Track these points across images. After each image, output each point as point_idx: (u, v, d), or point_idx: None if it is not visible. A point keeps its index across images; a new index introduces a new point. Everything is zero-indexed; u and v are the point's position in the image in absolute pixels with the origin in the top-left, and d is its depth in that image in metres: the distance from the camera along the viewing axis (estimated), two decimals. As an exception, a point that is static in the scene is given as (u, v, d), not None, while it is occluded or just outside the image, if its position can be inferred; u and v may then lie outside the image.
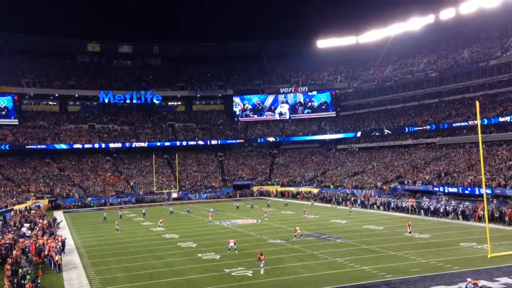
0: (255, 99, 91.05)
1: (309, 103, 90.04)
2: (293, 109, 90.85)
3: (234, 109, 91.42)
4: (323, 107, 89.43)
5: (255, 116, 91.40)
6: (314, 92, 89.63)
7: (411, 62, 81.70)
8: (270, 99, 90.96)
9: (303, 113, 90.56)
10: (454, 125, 64.64)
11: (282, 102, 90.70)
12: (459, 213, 40.86)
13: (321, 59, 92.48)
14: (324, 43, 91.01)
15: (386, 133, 75.40)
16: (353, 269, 23.99)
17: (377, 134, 77.14)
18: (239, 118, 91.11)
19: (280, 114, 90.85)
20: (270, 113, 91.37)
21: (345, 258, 26.28)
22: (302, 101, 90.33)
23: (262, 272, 23.43)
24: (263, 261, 23.67)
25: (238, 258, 26.98)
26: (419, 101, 75.92)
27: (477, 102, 22.06)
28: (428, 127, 68.66)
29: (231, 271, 24.22)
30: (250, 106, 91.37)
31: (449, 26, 76.43)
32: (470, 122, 61.33)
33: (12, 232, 37.02)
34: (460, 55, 73.17)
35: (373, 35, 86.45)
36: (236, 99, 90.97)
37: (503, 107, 60.42)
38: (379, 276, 22.14)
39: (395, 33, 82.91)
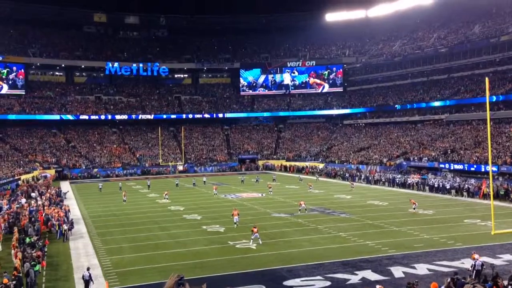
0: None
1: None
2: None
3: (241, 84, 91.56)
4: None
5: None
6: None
7: (420, 37, 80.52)
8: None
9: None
10: (462, 101, 64.07)
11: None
12: (464, 190, 40.88)
13: (329, 33, 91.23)
14: (333, 17, 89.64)
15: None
16: (356, 243, 24.14)
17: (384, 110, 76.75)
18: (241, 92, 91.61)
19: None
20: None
21: (349, 233, 26.43)
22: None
23: (251, 243, 23.88)
24: (256, 234, 23.96)
25: (242, 231, 27.17)
26: (427, 77, 75.13)
27: (486, 79, 21.75)
28: (436, 103, 68.10)
29: (235, 244, 24.45)
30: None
31: (461, 0, 74.93)
32: (478, 98, 60.77)
33: (20, 202, 37.48)
34: (471, 30, 71.95)
35: (382, 9, 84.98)
36: (240, 79, 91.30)
37: (512, 84, 59.73)
38: (382, 251, 22.28)
39: (406, 7, 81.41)
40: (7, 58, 76.13)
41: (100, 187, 50.31)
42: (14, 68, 77.19)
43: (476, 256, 18.02)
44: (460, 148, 55.27)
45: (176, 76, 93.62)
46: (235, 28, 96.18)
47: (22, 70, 78.16)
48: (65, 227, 26.91)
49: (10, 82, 76.97)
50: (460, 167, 50.15)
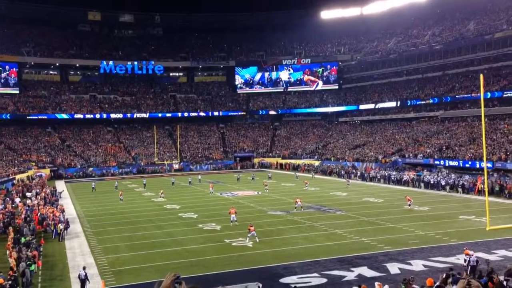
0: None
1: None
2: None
3: (236, 82, 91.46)
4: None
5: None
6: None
7: (415, 35, 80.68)
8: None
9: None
10: (457, 98, 64.30)
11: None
12: (459, 186, 41.04)
13: (324, 31, 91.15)
14: (328, 14, 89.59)
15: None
16: (352, 240, 24.20)
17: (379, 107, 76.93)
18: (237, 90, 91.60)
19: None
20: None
21: (345, 230, 26.49)
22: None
23: (247, 241, 23.96)
24: (253, 232, 24.03)
25: (239, 229, 27.18)
26: (422, 74, 75.30)
27: (481, 75, 21.80)
28: (430, 100, 68.30)
29: (231, 242, 24.46)
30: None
31: (455, -3, 75.22)
32: (473, 95, 60.99)
33: (15, 201, 37.36)
34: (465, 27, 72.16)
35: (377, 6, 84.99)
36: (237, 76, 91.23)
37: (507, 81, 59.94)
38: (377, 248, 22.36)
39: (400, 4, 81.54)
40: (1, 57, 75.75)
41: (93, 186, 50.01)
42: (7, 67, 76.85)
43: (470, 252, 18.11)
44: (455, 145, 55.47)
45: (171, 74, 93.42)
46: (231, 26, 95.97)
47: (15, 69, 77.81)
48: (60, 226, 26.84)
49: (2, 80, 76.62)
50: (455, 163, 50.32)
